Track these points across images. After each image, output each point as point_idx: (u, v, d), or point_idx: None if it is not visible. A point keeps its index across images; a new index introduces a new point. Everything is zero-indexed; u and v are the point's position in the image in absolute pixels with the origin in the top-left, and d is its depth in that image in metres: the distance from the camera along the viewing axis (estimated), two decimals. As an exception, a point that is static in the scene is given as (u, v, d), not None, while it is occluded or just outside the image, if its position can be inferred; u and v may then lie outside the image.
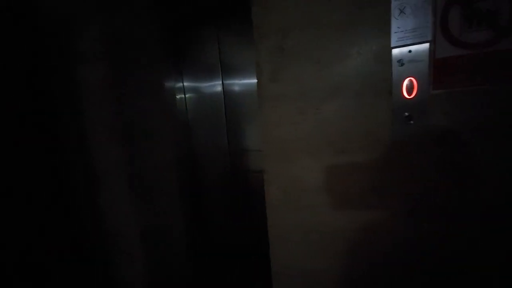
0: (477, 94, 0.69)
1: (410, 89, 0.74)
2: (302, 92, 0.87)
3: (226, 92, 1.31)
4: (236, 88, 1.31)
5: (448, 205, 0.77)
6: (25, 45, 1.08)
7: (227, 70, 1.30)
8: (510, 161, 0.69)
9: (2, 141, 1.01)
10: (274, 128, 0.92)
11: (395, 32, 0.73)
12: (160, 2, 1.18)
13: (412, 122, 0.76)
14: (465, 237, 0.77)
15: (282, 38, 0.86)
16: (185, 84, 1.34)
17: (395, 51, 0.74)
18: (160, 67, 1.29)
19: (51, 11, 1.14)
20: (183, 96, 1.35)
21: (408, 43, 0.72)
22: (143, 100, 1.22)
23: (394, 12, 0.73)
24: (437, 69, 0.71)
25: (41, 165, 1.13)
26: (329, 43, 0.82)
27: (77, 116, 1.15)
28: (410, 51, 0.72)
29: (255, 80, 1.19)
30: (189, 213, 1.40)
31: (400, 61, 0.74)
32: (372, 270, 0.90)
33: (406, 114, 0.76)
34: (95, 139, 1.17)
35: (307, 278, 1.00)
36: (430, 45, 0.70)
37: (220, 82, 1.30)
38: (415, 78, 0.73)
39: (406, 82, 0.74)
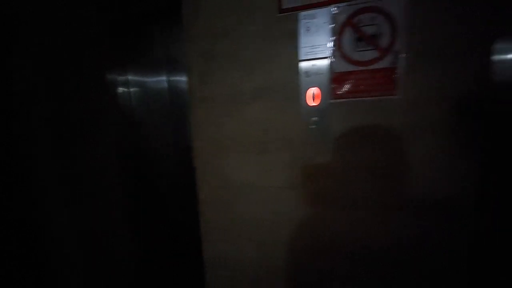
0: (365, 103, 0.82)
1: (315, 98, 0.85)
2: (229, 94, 0.96)
3: (171, 88, 1.35)
4: (182, 84, 1.35)
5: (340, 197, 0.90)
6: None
7: (172, 66, 1.33)
8: (372, 162, 0.83)
9: None
10: (205, 127, 1.00)
11: (303, 47, 0.84)
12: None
13: (318, 125, 0.87)
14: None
15: (211, 43, 0.94)
16: (130, 78, 1.35)
17: (302, 64, 0.84)
18: (103, 61, 1.30)
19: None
20: (128, 90, 1.36)
21: (312, 57, 0.83)
22: (83, 95, 1.24)
23: (302, 29, 0.83)
24: (335, 82, 0.82)
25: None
26: (252, 51, 0.91)
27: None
28: (314, 65, 0.83)
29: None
30: (134, 214, 1.41)
31: (307, 73, 0.84)
32: (296, 259, 1.01)
33: (314, 118, 0.87)
34: (27, 137, 1.16)
35: (238, 269, 1.09)
36: (329, 60, 0.82)
37: (165, 78, 1.33)
38: (318, 88, 0.84)
39: (311, 91, 0.85)
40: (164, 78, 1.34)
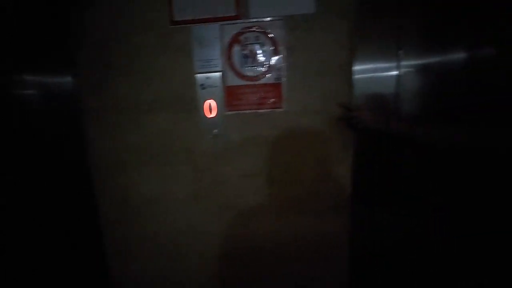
0: (257, 115, 0.88)
1: (212, 109, 0.88)
2: (125, 106, 0.91)
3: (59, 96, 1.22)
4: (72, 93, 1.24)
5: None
6: None
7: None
8: (266, 169, 0.91)
9: None
10: (100, 140, 0.93)
11: (197, 60, 0.86)
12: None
13: (217, 137, 0.90)
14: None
15: (104, 53, 0.88)
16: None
17: (198, 76, 0.86)
18: None
19: None
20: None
21: (206, 71, 0.86)
22: None
23: (195, 43, 0.85)
24: (228, 95, 0.87)
25: None
26: (147, 62, 0.88)
27: None
28: (208, 78, 0.86)
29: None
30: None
31: (202, 85, 0.87)
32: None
33: (215, 131, 0.90)
34: None
35: (148, 284, 1.05)
36: (222, 74, 0.86)
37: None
38: (214, 100, 0.87)
39: (207, 103, 0.87)
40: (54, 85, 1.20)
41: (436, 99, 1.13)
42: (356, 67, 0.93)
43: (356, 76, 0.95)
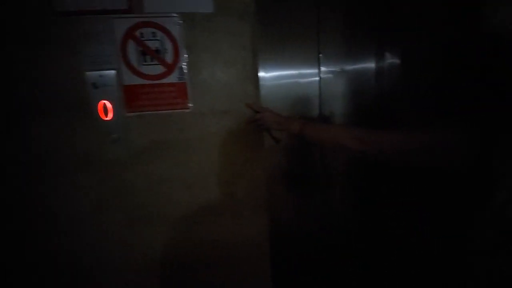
0: (162, 116, 0.84)
1: (108, 111, 0.80)
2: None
3: None
4: None
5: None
6: None
7: None
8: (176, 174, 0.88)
9: None
10: None
11: (87, 56, 0.77)
12: None
13: (118, 141, 0.82)
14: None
15: None
16: None
17: (88, 74, 0.77)
18: None
19: None
20: None
21: (98, 68, 0.77)
22: None
23: (83, 37, 0.76)
24: (127, 95, 0.80)
25: None
26: (25, 57, 0.75)
27: None
28: (101, 76, 0.78)
29: None
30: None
31: (94, 84, 0.78)
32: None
33: (114, 135, 0.82)
34: None
35: None
36: (117, 72, 0.79)
37: None
38: (109, 101, 0.79)
39: (102, 104, 0.79)
40: None
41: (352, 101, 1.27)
42: (264, 69, 0.98)
43: (263, 76, 1.00)
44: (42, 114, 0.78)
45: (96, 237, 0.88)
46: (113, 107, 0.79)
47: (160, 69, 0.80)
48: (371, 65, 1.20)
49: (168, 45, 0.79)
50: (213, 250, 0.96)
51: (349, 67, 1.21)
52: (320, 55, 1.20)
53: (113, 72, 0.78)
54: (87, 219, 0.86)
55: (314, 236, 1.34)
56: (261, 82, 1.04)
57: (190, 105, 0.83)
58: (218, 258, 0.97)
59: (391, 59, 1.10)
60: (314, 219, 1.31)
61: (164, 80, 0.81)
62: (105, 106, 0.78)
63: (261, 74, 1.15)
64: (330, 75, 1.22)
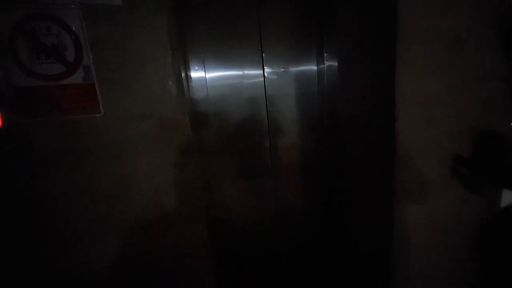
0: (67, 122, 0.74)
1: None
2: None
3: None
4: None
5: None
6: None
7: None
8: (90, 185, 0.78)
9: None
10: None
11: (-38, 54, 0.65)
12: None
13: (16, 152, 0.71)
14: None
15: None
16: None
17: (-34, 76, 0.66)
18: None
19: None
20: None
21: (-20, 67, 0.66)
22: None
23: (-46, 31, 0.64)
24: (19, 98, 0.69)
25: None
26: None
27: None
28: (-14, 76, 0.67)
29: None
30: None
31: (-24, 87, 0.67)
32: None
33: (7, 146, 0.71)
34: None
35: None
36: (4, 72, 0.68)
37: None
38: (6, 104, 0.68)
39: (-12, 110, 0.68)
40: None
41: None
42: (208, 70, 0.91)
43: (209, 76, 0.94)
44: None
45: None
46: (2, 113, 0.68)
47: (59, 68, 0.70)
48: (312, 67, 1.19)
49: (67, 41, 0.69)
50: (146, 267, 0.88)
51: (293, 68, 1.18)
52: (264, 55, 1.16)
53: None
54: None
55: (259, 235, 1.31)
56: (207, 83, 0.98)
57: (102, 109, 0.75)
58: (155, 275, 0.89)
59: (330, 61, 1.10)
60: (258, 217, 1.28)
61: (66, 81, 0.71)
62: (-7, 112, 0.67)
63: (205, 74, 1.09)
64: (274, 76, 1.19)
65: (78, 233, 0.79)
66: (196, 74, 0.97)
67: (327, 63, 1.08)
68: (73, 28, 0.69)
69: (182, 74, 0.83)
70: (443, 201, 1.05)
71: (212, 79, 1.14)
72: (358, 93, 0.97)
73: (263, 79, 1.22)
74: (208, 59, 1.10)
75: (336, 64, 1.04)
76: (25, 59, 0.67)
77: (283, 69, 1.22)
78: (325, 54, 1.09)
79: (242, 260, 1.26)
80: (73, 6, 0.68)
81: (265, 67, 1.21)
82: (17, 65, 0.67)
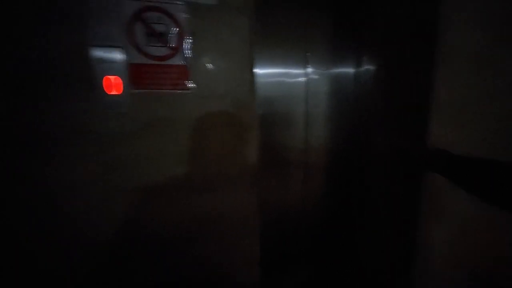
0: (165, 95, 0.90)
1: (114, 86, 0.83)
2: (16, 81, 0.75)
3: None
4: None
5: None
6: None
7: None
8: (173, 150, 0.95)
9: None
10: None
11: (93, 33, 0.79)
12: None
13: (122, 116, 0.86)
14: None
15: None
16: None
17: (94, 50, 0.80)
18: None
19: None
20: None
21: (106, 44, 0.81)
22: None
23: (90, 13, 0.79)
24: (133, 72, 0.85)
25: None
26: (43, 33, 0.75)
27: None
28: (107, 52, 0.81)
29: None
30: None
31: (100, 60, 0.81)
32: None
33: (118, 109, 0.85)
34: None
35: None
36: (124, 50, 0.83)
37: None
38: (117, 77, 0.83)
39: (108, 79, 0.82)
40: None
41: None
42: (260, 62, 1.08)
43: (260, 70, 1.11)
44: (47, 85, 0.78)
45: (88, 208, 0.90)
46: (117, 83, 0.83)
47: (165, 51, 0.86)
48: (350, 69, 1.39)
49: (173, 30, 0.86)
50: (205, 224, 1.03)
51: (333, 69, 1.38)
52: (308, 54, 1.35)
53: (119, 49, 0.82)
54: (85, 189, 0.88)
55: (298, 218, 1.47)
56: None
57: (191, 86, 0.90)
58: (210, 232, 1.04)
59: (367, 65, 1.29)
60: (297, 201, 1.45)
61: (168, 62, 0.87)
62: (110, 81, 0.82)
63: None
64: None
65: (166, 188, 0.95)
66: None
67: (364, 67, 1.27)
68: (178, 20, 0.85)
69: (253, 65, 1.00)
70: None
71: (261, 75, 1.32)
72: (393, 97, 1.15)
73: (305, 78, 1.41)
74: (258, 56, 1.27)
75: (373, 67, 1.23)
76: (140, 41, 0.83)
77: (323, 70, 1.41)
78: (363, 57, 1.28)
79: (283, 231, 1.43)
80: (180, 3, 0.85)
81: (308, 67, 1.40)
82: (133, 45, 0.83)
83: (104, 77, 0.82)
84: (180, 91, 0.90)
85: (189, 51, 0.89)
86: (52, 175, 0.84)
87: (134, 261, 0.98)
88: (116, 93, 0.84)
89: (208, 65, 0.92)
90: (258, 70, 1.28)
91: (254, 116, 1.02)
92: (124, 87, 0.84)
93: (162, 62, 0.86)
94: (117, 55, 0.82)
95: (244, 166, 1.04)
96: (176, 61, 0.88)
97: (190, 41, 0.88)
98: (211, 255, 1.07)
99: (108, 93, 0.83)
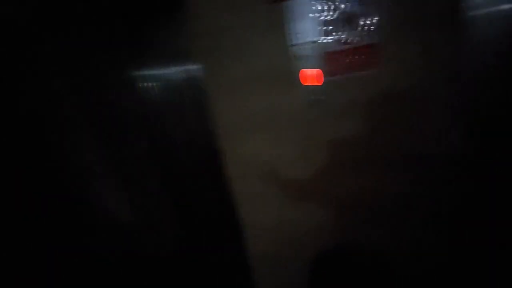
0: (356, 79, 0.93)
1: (312, 78, 0.96)
2: (235, 82, 1.05)
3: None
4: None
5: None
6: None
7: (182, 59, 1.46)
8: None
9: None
10: (223, 113, 1.11)
11: (294, 33, 0.93)
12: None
13: (317, 103, 0.98)
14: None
15: (215, 38, 1.02)
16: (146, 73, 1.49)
17: (295, 48, 0.95)
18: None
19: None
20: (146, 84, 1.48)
21: (307, 40, 0.93)
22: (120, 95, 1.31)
23: (292, 16, 0.92)
24: (327, 61, 0.93)
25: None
26: (253, 42, 0.99)
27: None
28: (308, 47, 0.93)
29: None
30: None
31: (299, 56, 0.95)
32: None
33: (312, 97, 0.98)
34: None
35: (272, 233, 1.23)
36: (322, 42, 0.92)
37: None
38: (314, 68, 0.95)
39: (308, 72, 0.95)
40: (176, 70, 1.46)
41: None
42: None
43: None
44: (257, 82, 1.02)
45: (298, 179, 1.11)
46: (314, 73, 0.95)
47: (356, 33, 0.88)
48: None
49: (363, 9, 0.85)
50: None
51: None
52: None
53: (319, 42, 0.92)
54: (293, 165, 1.09)
55: None
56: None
57: (381, 66, 0.88)
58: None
59: None
60: None
61: (359, 43, 0.88)
62: (310, 73, 0.95)
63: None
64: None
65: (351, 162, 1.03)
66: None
67: None
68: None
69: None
70: None
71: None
72: None
73: None
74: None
75: None
76: (334, 28, 0.90)
77: None
78: None
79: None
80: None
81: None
82: (329, 34, 0.91)
83: (302, 70, 0.96)
84: (371, 72, 0.90)
85: (379, 27, 0.86)
86: (258, 153, 1.11)
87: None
88: (311, 83, 0.97)
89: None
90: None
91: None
92: (319, 76, 0.95)
93: (352, 45, 0.90)
94: (313, 48, 0.93)
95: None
96: (366, 41, 0.88)
97: (379, 17, 0.85)
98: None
99: (305, 84, 0.96)
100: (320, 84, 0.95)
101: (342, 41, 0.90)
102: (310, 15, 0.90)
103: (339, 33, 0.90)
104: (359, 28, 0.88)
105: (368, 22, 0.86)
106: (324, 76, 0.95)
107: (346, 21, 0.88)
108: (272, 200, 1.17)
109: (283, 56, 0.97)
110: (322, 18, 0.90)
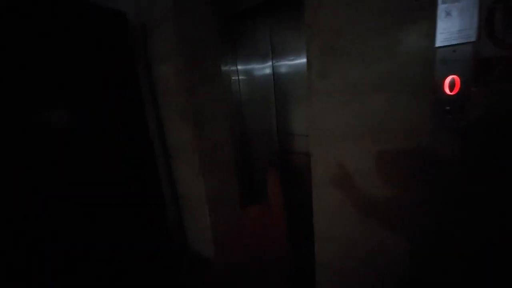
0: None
1: (452, 86, 0.82)
2: (347, 88, 0.95)
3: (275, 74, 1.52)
4: (284, 69, 1.49)
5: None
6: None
7: (277, 54, 1.49)
8: None
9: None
10: (320, 118, 1.02)
11: (441, 33, 0.80)
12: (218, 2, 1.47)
13: (451, 115, 0.84)
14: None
15: (332, 38, 0.93)
16: (238, 67, 1.65)
17: (439, 51, 0.81)
18: (219, 58, 1.57)
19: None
20: (236, 78, 1.67)
21: (453, 43, 0.79)
22: (207, 87, 1.48)
23: (441, 14, 0.79)
24: (479, 68, 0.78)
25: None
26: (376, 43, 0.89)
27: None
28: (454, 51, 0.79)
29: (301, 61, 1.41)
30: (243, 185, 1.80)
31: (444, 60, 0.81)
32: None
33: (447, 108, 0.84)
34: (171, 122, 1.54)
35: (344, 246, 1.13)
36: (473, 45, 0.77)
37: (270, 63, 1.50)
38: (458, 76, 0.80)
39: (448, 79, 0.81)
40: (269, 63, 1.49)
41: None
42: None
43: None
44: (379, 91, 0.91)
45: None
46: (460, 81, 0.81)
47: (529, 36, 0.73)
48: None
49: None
50: None
51: None
52: None
53: (469, 45, 0.78)
54: (395, 182, 0.97)
55: None
56: None
57: None
58: None
59: None
60: None
61: (532, 49, 0.73)
62: (452, 81, 0.82)
63: None
64: None
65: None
66: None
67: None
68: None
69: None
70: None
71: None
72: None
73: None
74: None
75: None
76: (498, 30, 0.75)
77: None
78: None
79: None
80: None
81: None
82: (489, 37, 0.76)
83: (447, 77, 0.82)
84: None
85: None
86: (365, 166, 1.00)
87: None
88: (453, 93, 0.82)
89: None
90: None
91: None
92: (464, 85, 0.81)
93: (522, 51, 0.74)
94: (465, 52, 0.79)
95: None
96: (547, 46, 0.72)
97: None
98: None
99: (448, 93, 0.83)
100: (464, 94, 0.80)
101: (510, 44, 0.74)
102: (469, 11, 0.75)
103: (509, 34, 0.74)
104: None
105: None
106: (473, 86, 0.80)
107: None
108: (347, 212, 1.07)
109: (422, 60, 0.84)
110: (486, 14, 0.74)
